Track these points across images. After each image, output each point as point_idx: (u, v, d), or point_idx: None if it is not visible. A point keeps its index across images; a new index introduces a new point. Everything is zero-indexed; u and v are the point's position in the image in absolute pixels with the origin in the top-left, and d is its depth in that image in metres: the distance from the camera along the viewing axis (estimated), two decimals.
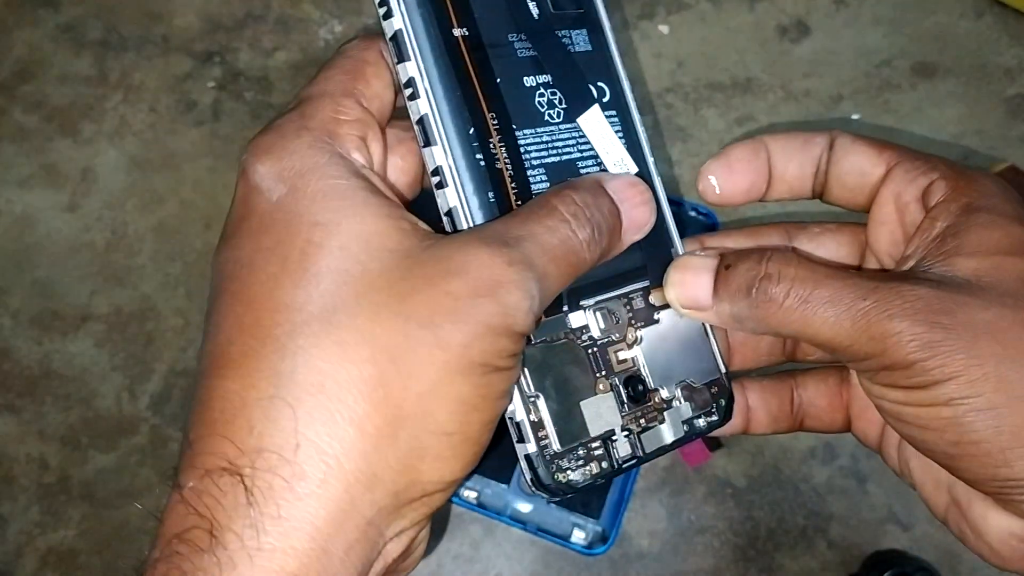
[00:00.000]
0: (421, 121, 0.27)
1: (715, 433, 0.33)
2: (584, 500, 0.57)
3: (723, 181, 0.32)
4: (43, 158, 0.67)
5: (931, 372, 0.25)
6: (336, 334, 0.23)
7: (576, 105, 0.30)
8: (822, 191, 0.32)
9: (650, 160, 0.32)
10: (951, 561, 0.59)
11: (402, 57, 0.26)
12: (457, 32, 0.27)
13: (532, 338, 0.27)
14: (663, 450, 0.30)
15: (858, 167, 0.31)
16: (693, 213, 0.62)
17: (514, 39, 0.28)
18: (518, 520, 0.57)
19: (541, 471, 0.27)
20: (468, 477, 0.25)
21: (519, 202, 0.27)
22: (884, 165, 0.30)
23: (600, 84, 0.31)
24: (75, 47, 0.69)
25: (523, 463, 0.28)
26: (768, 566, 0.60)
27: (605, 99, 0.31)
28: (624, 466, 0.29)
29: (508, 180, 0.27)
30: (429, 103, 0.26)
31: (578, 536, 0.57)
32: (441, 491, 0.25)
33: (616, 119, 0.31)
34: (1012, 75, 0.68)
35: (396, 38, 0.26)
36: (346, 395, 0.22)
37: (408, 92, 0.27)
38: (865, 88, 0.67)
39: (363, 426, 0.23)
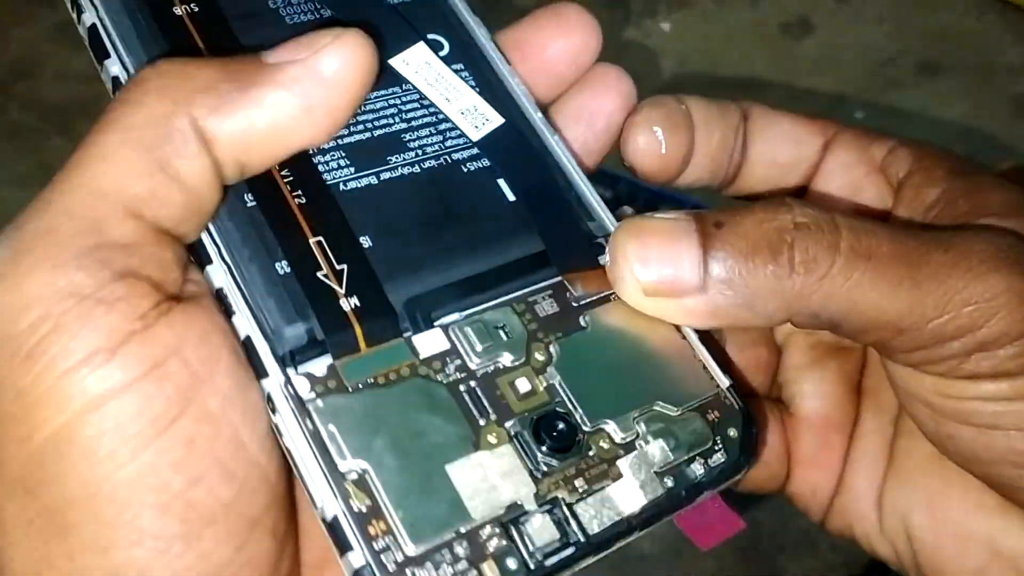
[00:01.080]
0: None
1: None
2: None
3: (669, 137, 0.23)
4: (39, 156, 0.66)
5: None
6: None
7: (387, 50, 0.22)
8: (734, 175, 0.24)
9: (526, 103, 0.23)
10: None
11: (103, 54, 0.20)
12: (179, 10, 0.21)
13: (345, 382, 0.18)
14: (623, 526, 0.19)
15: (791, 136, 0.24)
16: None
17: (282, 3, 0.22)
18: None
19: None
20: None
21: (297, 192, 0.20)
22: (821, 135, 0.24)
23: (434, 37, 0.24)
24: (72, 45, 0.69)
25: None
26: (770, 568, 0.59)
27: (443, 53, 0.23)
28: (551, 562, 0.18)
29: (275, 169, 0.20)
30: None
31: None
32: None
33: (466, 74, 0.23)
34: (1016, 73, 0.67)
35: (93, 32, 0.21)
36: None
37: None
38: (869, 86, 0.67)
39: None
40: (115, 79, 0.20)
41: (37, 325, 0.16)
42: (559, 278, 0.21)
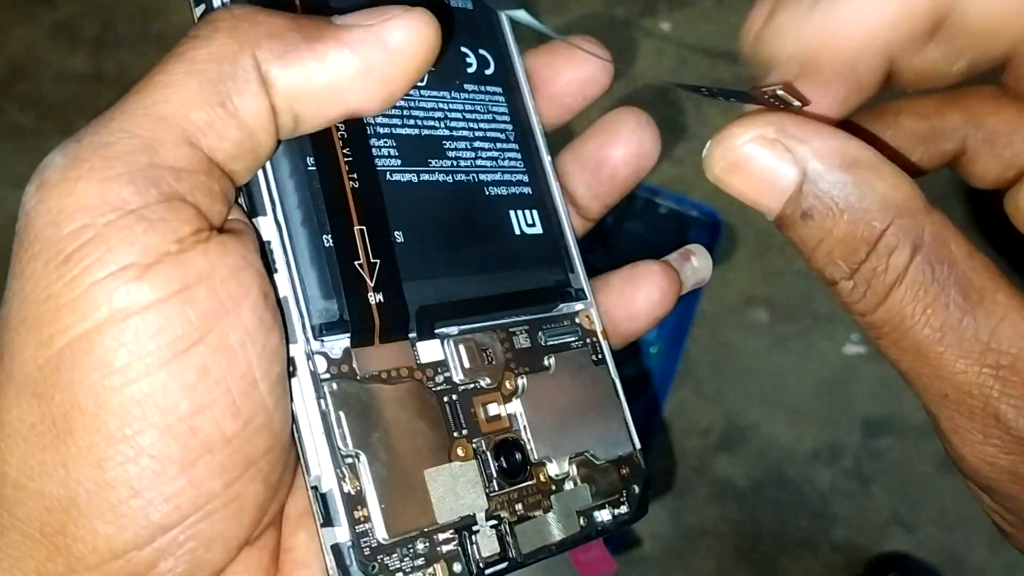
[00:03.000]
0: None
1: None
2: None
3: None
4: (38, 157, 0.66)
5: None
6: None
7: (449, 66, 0.23)
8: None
9: (542, 147, 0.25)
10: (955, 564, 0.59)
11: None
12: None
13: (356, 370, 0.20)
14: (545, 552, 0.22)
15: None
16: (695, 213, 0.62)
17: None
18: None
19: (354, 573, 0.19)
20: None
21: (354, 174, 0.21)
22: None
23: (483, 53, 0.24)
24: (70, 45, 0.68)
25: (328, 559, 0.19)
26: (771, 569, 0.59)
27: (488, 71, 0.24)
28: (488, 572, 0.20)
29: (338, 143, 0.21)
30: None
31: None
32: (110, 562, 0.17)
33: (502, 99, 0.24)
34: None
35: None
36: None
37: None
38: None
39: None
40: (208, 3, 0.20)
41: (80, 232, 0.17)
42: (535, 316, 0.23)
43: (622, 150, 0.25)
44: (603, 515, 0.23)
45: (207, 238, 0.18)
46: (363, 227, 0.21)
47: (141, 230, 0.17)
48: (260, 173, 0.20)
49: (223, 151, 0.18)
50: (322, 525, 0.19)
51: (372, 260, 0.21)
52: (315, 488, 0.19)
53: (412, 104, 0.23)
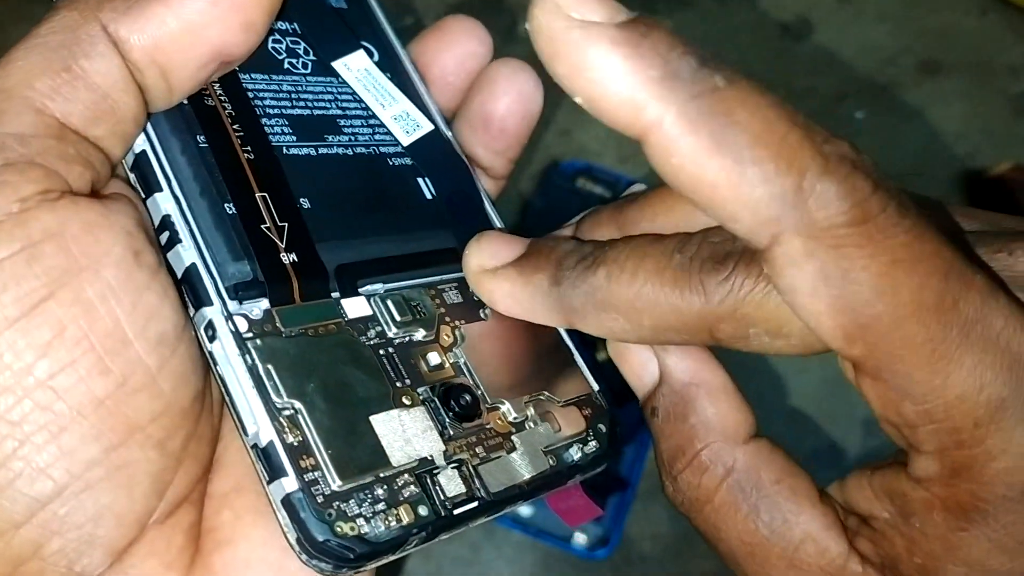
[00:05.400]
0: None
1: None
2: None
3: None
4: None
5: None
6: None
7: (330, 51, 0.25)
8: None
9: (439, 119, 0.26)
10: None
11: None
12: None
13: (281, 328, 0.20)
14: (516, 491, 0.21)
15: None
16: None
17: None
18: (518, 523, 0.56)
19: (311, 521, 0.18)
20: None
21: (247, 147, 0.21)
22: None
23: (366, 45, 0.26)
24: None
25: (281, 515, 0.18)
26: None
27: (375, 60, 0.26)
28: (458, 512, 0.20)
29: (227, 120, 0.21)
30: None
31: (579, 539, 0.56)
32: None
33: (393, 82, 0.25)
34: (1017, 73, 0.67)
35: None
36: None
37: None
38: (869, 86, 0.66)
39: None
40: None
41: None
42: (462, 274, 0.23)
43: (504, 100, 0.25)
44: (573, 452, 0.23)
45: (57, 197, 0.17)
46: (264, 194, 0.21)
47: None
48: (150, 153, 0.20)
49: (77, 114, 0.18)
50: (268, 482, 0.18)
51: (280, 224, 0.21)
52: (255, 446, 0.19)
53: (299, 89, 0.24)
